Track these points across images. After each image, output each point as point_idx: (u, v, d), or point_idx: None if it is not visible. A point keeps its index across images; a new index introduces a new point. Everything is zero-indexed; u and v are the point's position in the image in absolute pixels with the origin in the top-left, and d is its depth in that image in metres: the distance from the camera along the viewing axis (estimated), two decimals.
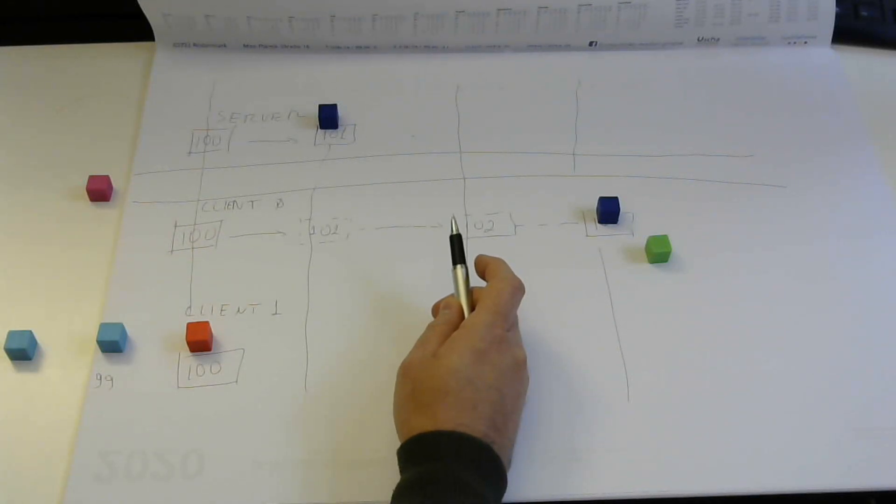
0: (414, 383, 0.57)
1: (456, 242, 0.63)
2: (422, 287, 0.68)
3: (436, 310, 0.63)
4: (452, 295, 0.62)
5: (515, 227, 0.72)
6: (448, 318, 0.60)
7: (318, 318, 0.67)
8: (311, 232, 0.72)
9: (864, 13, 0.85)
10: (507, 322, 0.59)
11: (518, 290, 0.61)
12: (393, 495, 0.53)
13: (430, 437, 0.54)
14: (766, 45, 0.84)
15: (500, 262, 0.62)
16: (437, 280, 0.68)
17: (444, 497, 0.51)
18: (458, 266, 0.62)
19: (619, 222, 0.72)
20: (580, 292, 0.68)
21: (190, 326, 0.65)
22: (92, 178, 0.73)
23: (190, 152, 0.76)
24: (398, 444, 0.56)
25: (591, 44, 0.83)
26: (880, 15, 0.85)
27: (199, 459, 0.60)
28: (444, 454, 0.53)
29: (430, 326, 0.60)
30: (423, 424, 0.54)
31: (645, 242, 0.70)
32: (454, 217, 0.65)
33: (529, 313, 0.67)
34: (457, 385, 0.55)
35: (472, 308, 0.61)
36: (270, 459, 0.60)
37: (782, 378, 0.64)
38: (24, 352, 0.64)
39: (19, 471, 0.60)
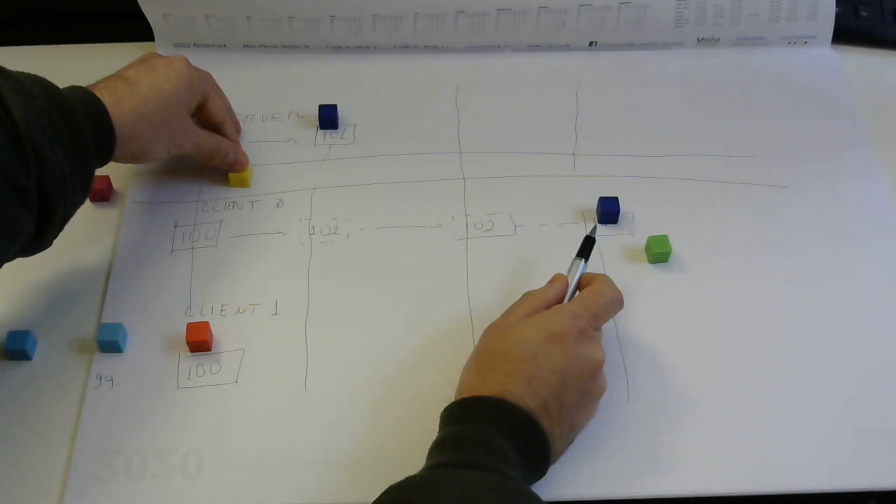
0: (484, 344, 0.58)
1: (588, 242, 0.65)
2: (422, 287, 0.68)
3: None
4: (564, 276, 0.63)
5: (515, 227, 0.72)
6: (545, 293, 0.61)
7: (318, 318, 0.67)
8: (311, 232, 0.72)
9: (864, 13, 0.85)
10: (595, 322, 0.59)
11: (617, 301, 0.61)
12: (429, 450, 0.54)
13: (471, 401, 0.55)
14: (766, 45, 0.84)
15: (608, 279, 0.62)
16: (438, 280, 0.69)
17: (472, 453, 0.52)
18: (580, 258, 0.63)
19: (619, 222, 0.72)
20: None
21: (190, 326, 0.65)
22: None
23: None
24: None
25: (591, 44, 0.83)
26: (880, 15, 0.85)
27: (199, 459, 0.60)
28: (481, 417, 0.54)
29: (526, 295, 0.61)
30: (475, 385, 0.56)
31: (645, 242, 0.70)
32: (596, 225, 0.70)
33: None
34: (519, 355, 0.55)
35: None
36: (270, 459, 0.60)
37: (782, 378, 0.64)
38: (24, 352, 0.64)
39: (19, 471, 0.60)
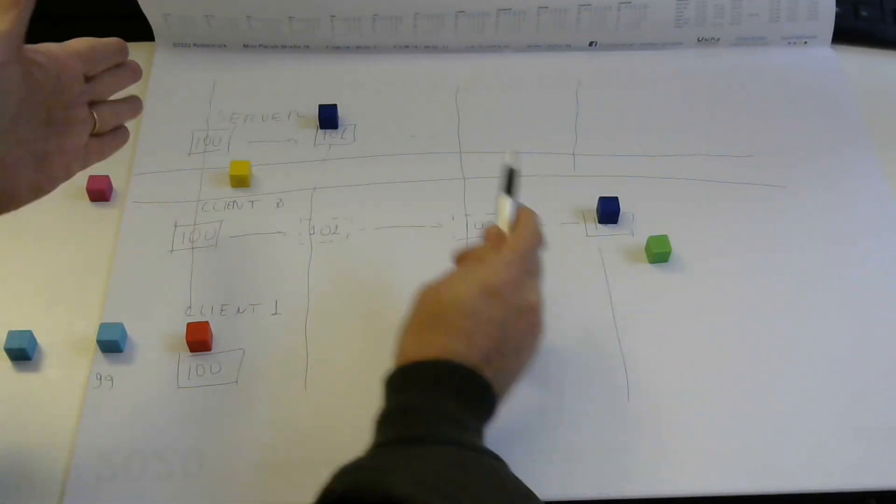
0: (419, 307, 0.56)
1: (510, 174, 0.61)
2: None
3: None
4: (496, 226, 0.60)
5: None
6: (478, 250, 0.58)
7: (318, 318, 0.67)
8: (311, 232, 0.72)
9: (864, 13, 0.85)
10: (527, 264, 0.57)
11: (541, 241, 0.59)
12: (375, 424, 0.52)
13: (412, 368, 0.53)
14: (766, 45, 0.84)
15: (530, 213, 0.60)
16: None
17: (421, 425, 0.50)
18: (504, 195, 0.61)
19: (619, 222, 0.72)
20: (580, 292, 0.68)
21: (190, 326, 0.65)
22: (92, 178, 0.73)
23: (190, 152, 0.76)
24: None
25: (591, 44, 0.83)
26: (880, 15, 0.85)
27: (199, 459, 0.60)
28: (425, 382, 0.52)
29: (461, 255, 0.59)
30: (413, 348, 0.53)
31: (645, 242, 0.70)
32: (515, 151, 0.63)
33: None
34: (457, 314, 0.54)
35: None
36: (270, 459, 0.60)
37: (782, 378, 0.64)
38: (24, 352, 0.64)
39: (19, 471, 0.60)
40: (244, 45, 0.83)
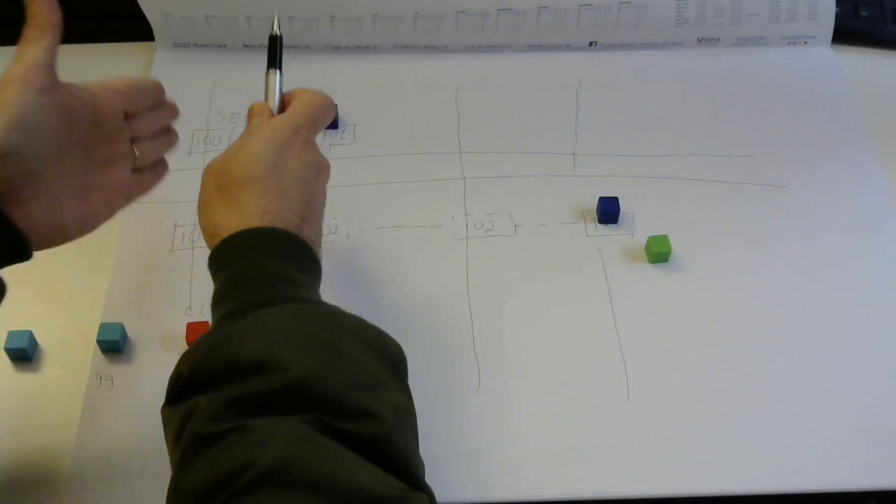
0: (218, 178, 0.53)
1: (274, 44, 0.60)
2: (422, 287, 0.68)
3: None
4: (261, 102, 0.59)
5: (515, 227, 0.72)
6: (257, 125, 0.57)
7: None
8: None
9: (864, 13, 0.85)
10: (313, 130, 0.57)
11: (330, 105, 0.58)
12: (211, 308, 0.51)
13: (233, 239, 0.51)
14: (766, 45, 0.84)
15: (308, 89, 0.59)
16: (438, 280, 0.68)
17: (256, 291, 0.49)
18: (272, 70, 0.59)
19: (619, 222, 0.72)
20: (580, 292, 0.68)
21: (190, 326, 0.65)
22: None
23: (190, 152, 0.76)
24: None
25: (591, 44, 0.83)
26: (880, 15, 0.85)
27: None
28: (250, 250, 0.50)
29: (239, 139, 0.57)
30: (231, 220, 0.52)
31: (645, 242, 0.70)
32: (277, 16, 0.60)
33: (529, 313, 0.67)
34: (263, 171, 0.52)
35: None
36: None
37: (782, 378, 0.64)
38: (24, 352, 0.64)
39: (20, 471, 0.60)
40: (244, 45, 0.83)
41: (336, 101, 0.78)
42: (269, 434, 0.42)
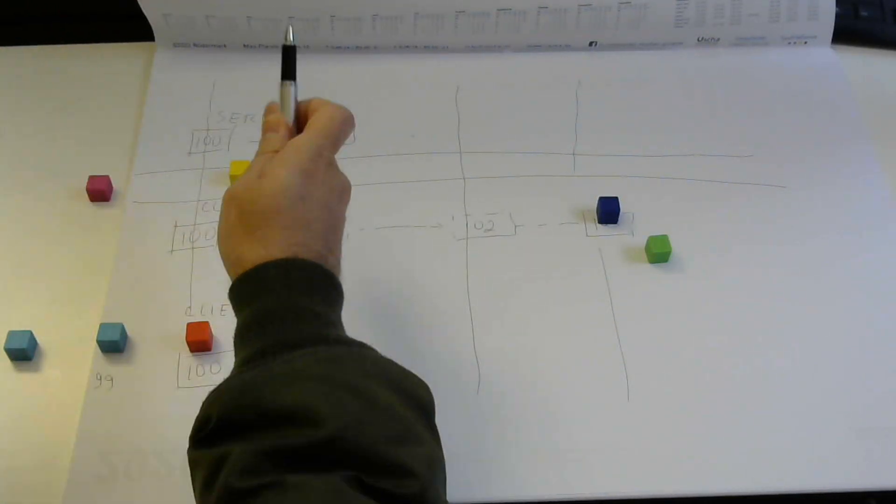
0: (241, 207, 0.52)
1: (289, 54, 0.58)
2: (422, 287, 0.68)
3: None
4: (277, 115, 0.57)
5: (515, 227, 0.72)
6: (274, 143, 0.55)
7: None
8: None
9: (864, 13, 0.85)
10: (335, 148, 0.56)
11: (350, 120, 0.57)
12: (234, 342, 0.50)
13: (257, 272, 0.50)
14: (766, 45, 0.84)
15: (325, 100, 0.57)
16: (438, 280, 0.68)
17: (284, 329, 0.48)
18: (287, 81, 0.57)
19: (619, 222, 0.72)
20: (580, 292, 0.68)
21: (190, 326, 0.65)
22: (92, 178, 0.73)
23: (190, 152, 0.76)
24: None
25: (591, 44, 0.83)
26: (880, 15, 0.85)
27: None
28: (275, 285, 0.49)
29: (256, 155, 0.55)
30: (254, 252, 0.50)
31: (645, 242, 0.70)
32: (290, 26, 0.58)
33: (529, 313, 0.67)
34: (288, 203, 0.51)
35: (299, 131, 0.56)
36: None
37: (782, 378, 0.64)
38: (24, 352, 0.64)
39: (19, 471, 0.60)
40: (244, 45, 0.83)
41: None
42: (307, 492, 0.42)
